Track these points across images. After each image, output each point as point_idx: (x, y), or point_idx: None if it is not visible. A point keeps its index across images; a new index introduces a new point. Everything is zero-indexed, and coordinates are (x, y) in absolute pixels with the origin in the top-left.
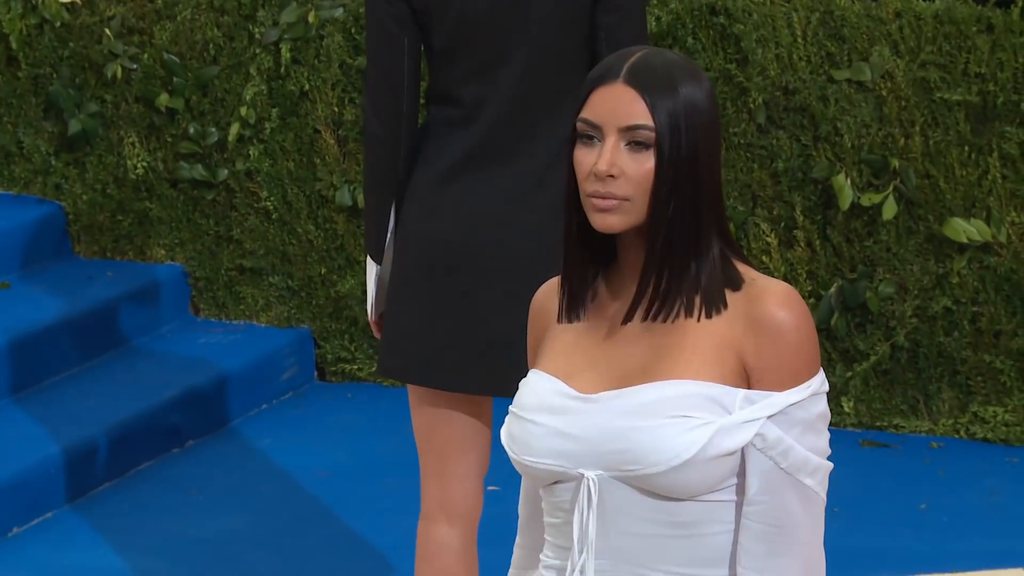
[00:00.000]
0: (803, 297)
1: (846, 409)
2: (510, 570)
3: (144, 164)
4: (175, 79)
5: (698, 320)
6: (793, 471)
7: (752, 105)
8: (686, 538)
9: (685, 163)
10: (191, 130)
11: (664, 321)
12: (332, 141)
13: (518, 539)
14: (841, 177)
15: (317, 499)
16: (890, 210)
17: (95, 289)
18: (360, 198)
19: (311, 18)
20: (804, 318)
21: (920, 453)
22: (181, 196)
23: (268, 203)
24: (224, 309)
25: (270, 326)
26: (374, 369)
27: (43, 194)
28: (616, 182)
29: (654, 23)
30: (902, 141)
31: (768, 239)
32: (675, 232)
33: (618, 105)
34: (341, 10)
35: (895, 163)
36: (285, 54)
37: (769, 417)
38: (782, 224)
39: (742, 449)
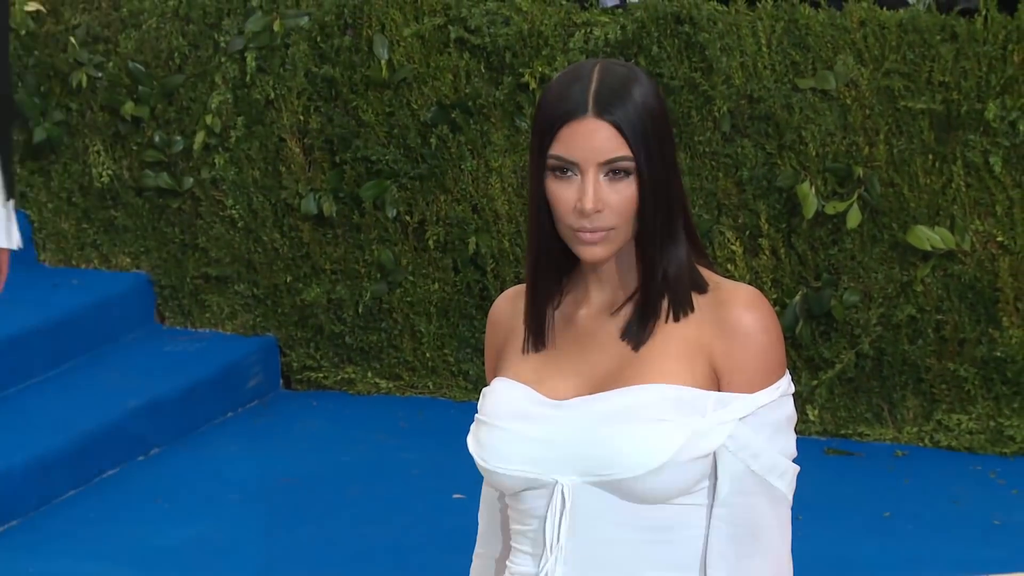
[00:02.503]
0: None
1: (811, 417)
2: None
3: (109, 172)
4: (140, 87)
5: (665, 322)
6: (764, 473)
7: (717, 114)
8: (660, 543)
9: (662, 177)
10: (156, 138)
11: (644, 329)
12: (298, 149)
13: (477, 548)
14: (806, 185)
15: (282, 507)
16: (854, 218)
17: (60, 297)
18: (326, 206)
19: (276, 27)
20: (771, 320)
21: (884, 461)
22: (146, 204)
23: (233, 211)
24: (189, 317)
25: (235, 334)
26: (339, 377)
27: None
28: (601, 215)
29: (619, 31)
30: (866, 149)
31: (733, 247)
32: (661, 241)
33: (594, 141)
34: (306, 18)
35: (859, 171)
36: (250, 63)
37: (741, 419)
38: (747, 232)
39: (715, 451)
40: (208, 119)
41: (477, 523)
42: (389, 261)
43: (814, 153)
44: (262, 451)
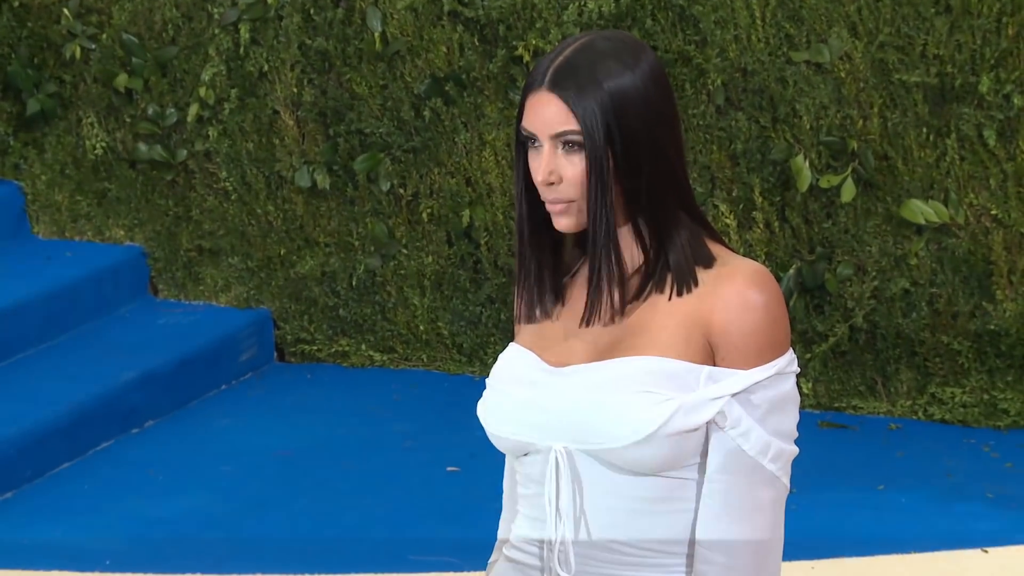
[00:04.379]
0: None
1: (804, 391)
2: (496, 543)
3: (103, 144)
4: (134, 59)
5: (669, 298)
6: (755, 454)
7: (711, 87)
8: (652, 514)
9: (623, 154)
10: (150, 110)
11: (633, 300)
12: (291, 122)
13: (503, 512)
14: (800, 159)
15: (276, 479)
16: (849, 192)
17: (54, 269)
18: (319, 178)
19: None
20: (773, 297)
21: (878, 434)
22: (140, 176)
23: (227, 184)
24: (183, 290)
25: (229, 307)
26: (333, 350)
27: (1, 174)
28: (558, 187)
29: (613, 4)
30: (860, 123)
31: (727, 220)
32: (634, 218)
33: (545, 113)
34: None
35: (853, 145)
36: (244, 34)
37: (733, 395)
38: (741, 206)
39: (706, 427)
40: (202, 91)
41: (472, 494)
42: (383, 234)
43: (808, 126)
44: (256, 424)
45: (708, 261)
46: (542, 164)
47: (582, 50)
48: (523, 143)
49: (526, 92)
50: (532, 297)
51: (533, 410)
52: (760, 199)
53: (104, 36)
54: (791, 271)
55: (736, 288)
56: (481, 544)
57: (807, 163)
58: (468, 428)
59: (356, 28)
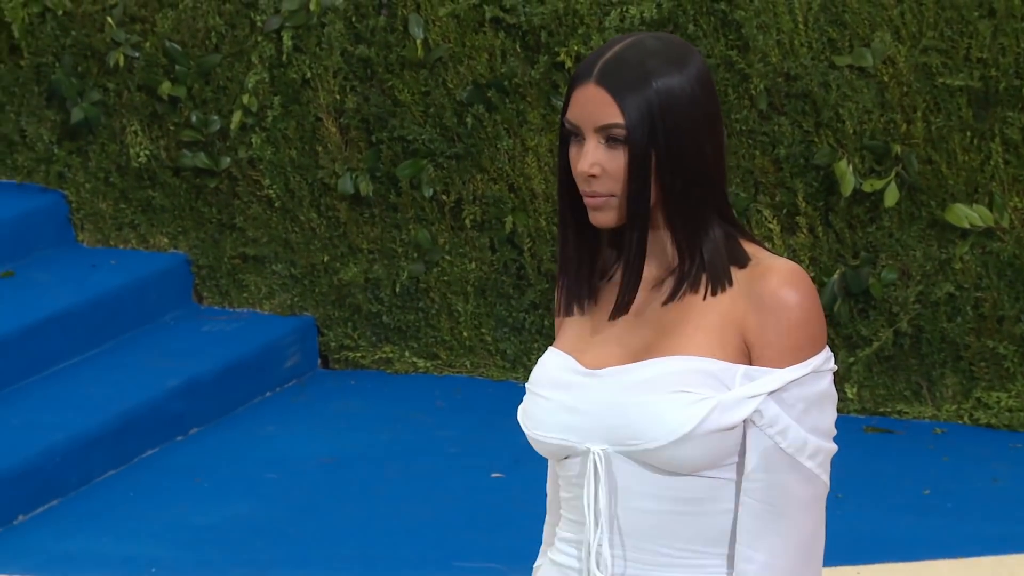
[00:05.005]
0: None
1: (849, 395)
2: (541, 547)
3: (147, 152)
4: (177, 67)
5: (704, 298)
6: (792, 451)
7: (754, 91)
8: (690, 515)
9: (665, 153)
10: (193, 118)
11: (668, 301)
12: (334, 129)
13: (547, 516)
14: (843, 163)
15: (320, 486)
16: (892, 196)
17: (99, 277)
18: (363, 185)
19: (312, 6)
20: (807, 295)
21: (924, 439)
22: (184, 184)
23: (271, 191)
24: (227, 297)
25: (273, 314)
26: (377, 357)
27: (46, 183)
28: (598, 180)
29: (655, 10)
30: (904, 127)
31: (770, 225)
32: (685, 213)
33: (591, 105)
34: None
35: (897, 149)
36: (287, 42)
37: (769, 394)
38: (784, 210)
39: (743, 426)
40: (245, 99)
41: (516, 500)
42: (426, 240)
43: (851, 131)
44: (300, 431)
45: (743, 261)
46: (584, 156)
47: (632, 47)
48: (566, 137)
49: (573, 84)
50: (573, 291)
51: (571, 413)
52: (804, 204)
53: (148, 44)
54: (835, 276)
55: (771, 287)
56: (526, 550)
57: (850, 168)
58: (512, 434)
59: (398, 35)
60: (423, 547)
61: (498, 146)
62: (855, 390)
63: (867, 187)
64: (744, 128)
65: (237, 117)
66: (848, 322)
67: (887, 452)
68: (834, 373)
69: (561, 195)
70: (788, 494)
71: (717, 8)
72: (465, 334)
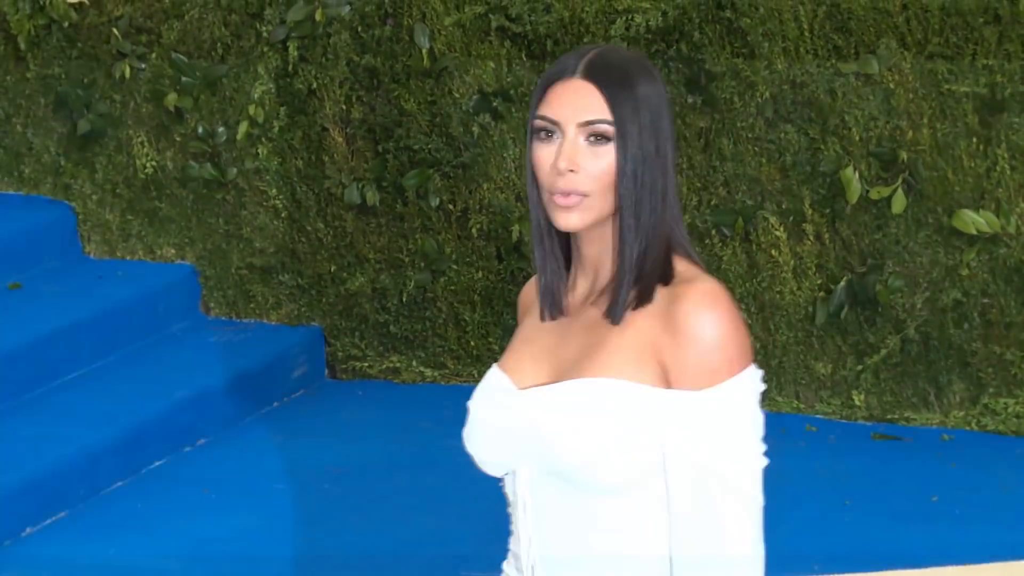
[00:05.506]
0: (814, 290)
1: (857, 402)
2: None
3: (153, 163)
4: (183, 78)
5: (629, 314)
6: (713, 470)
7: (759, 99)
8: (617, 531)
9: (645, 157)
10: (200, 129)
11: (606, 314)
12: (340, 139)
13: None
14: (849, 170)
15: (329, 496)
16: (899, 203)
17: (106, 289)
18: (369, 195)
19: (318, 16)
20: (722, 317)
21: (931, 446)
22: (190, 195)
23: (277, 201)
24: (234, 308)
25: (280, 324)
26: (384, 366)
27: (53, 194)
28: (577, 177)
29: (660, 18)
30: (910, 133)
31: (777, 233)
32: (642, 223)
33: (576, 100)
34: (348, 8)
35: (903, 156)
36: (292, 52)
37: (683, 417)
38: (791, 218)
39: (661, 447)
40: (251, 109)
41: None
42: (433, 250)
43: (858, 138)
44: (308, 441)
45: (668, 278)
46: (564, 151)
47: (611, 51)
48: (535, 136)
49: (551, 81)
50: (550, 297)
51: (501, 433)
52: (810, 211)
53: (153, 55)
54: (842, 283)
55: (684, 309)
56: None
57: (857, 174)
58: None
59: (404, 45)
60: (431, 557)
61: (504, 155)
62: (862, 397)
63: (874, 194)
64: (750, 135)
65: (243, 128)
66: (855, 329)
67: (895, 459)
68: (842, 380)
69: (534, 198)
70: (714, 512)
71: (723, 16)
72: (472, 343)
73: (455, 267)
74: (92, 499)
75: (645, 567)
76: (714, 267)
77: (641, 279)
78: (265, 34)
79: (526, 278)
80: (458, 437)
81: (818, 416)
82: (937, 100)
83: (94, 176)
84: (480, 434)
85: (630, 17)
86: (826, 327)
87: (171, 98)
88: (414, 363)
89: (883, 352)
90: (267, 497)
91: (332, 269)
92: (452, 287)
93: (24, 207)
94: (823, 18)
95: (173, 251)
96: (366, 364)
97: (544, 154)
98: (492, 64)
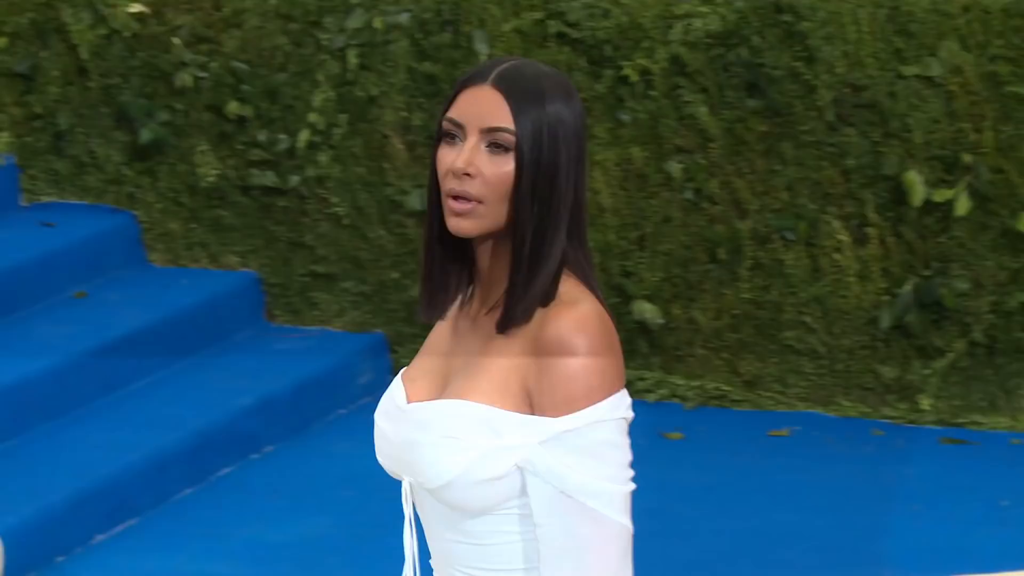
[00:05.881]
0: (878, 293)
1: (925, 407)
2: None
3: (216, 172)
4: (244, 87)
5: (507, 331)
6: (574, 494)
7: (820, 103)
8: (488, 546)
9: (544, 172)
10: (261, 137)
11: (505, 332)
12: (401, 146)
13: None
14: (912, 173)
15: (396, 503)
16: (963, 206)
17: (170, 297)
18: None
19: (377, 24)
20: (587, 345)
21: (1000, 449)
22: (253, 203)
23: (339, 209)
24: (298, 315)
25: (344, 331)
26: None
27: (116, 203)
28: (472, 181)
29: (720, 22)
30: (973, 136)
31: (840, 237)
32: (534, 240)
33: (482, 106)
34: (407, 15)
35: (966, 158)
36: (352, 60)
37: (541, 443)
38: (854, 221)
39: (520, 471)
40: (312, 117)
41: None
42: None
43: (920, 140)
44: (374, 448)
45: (548, 299)
46: (463, 154)
47: (528, 65)
48: (440, 139)
49: (462, 86)
50: (432, 303)
51: (391, 445)
52: (873, 215)
53: (215, 64)
54: (907, 287)
55: (549, 334)
56: None
57: (920, 178)
58: None
59: (463, 52)
60: None
61: None
62: (930, 402)
63: (937, 197)
64: (811, 139)
65: (304, 135)
66: (921, 333)
67: (963, 463)
68: (908, 384)
69: (430, 201)
70: (575, 537)
71: (783, 20)
72: None
73: None
74: (161, 506)
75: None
76: (776, 271)
77: (525, 298)
78: (325, 42)
79: None
80: None
81: (884, 420)
82: (999, 102)
83: (157, 185)
84: (377, 443)
85: (688, 22)
86: (891, 331)
87: (232, 107)
88: None
89: (950, 356)
90: (334, 504)
91: (395, 276)
92: None
93: (89, 216)
94: (883, 21)
95: (236, 259)
96: None
97: (446, 156)
98: None
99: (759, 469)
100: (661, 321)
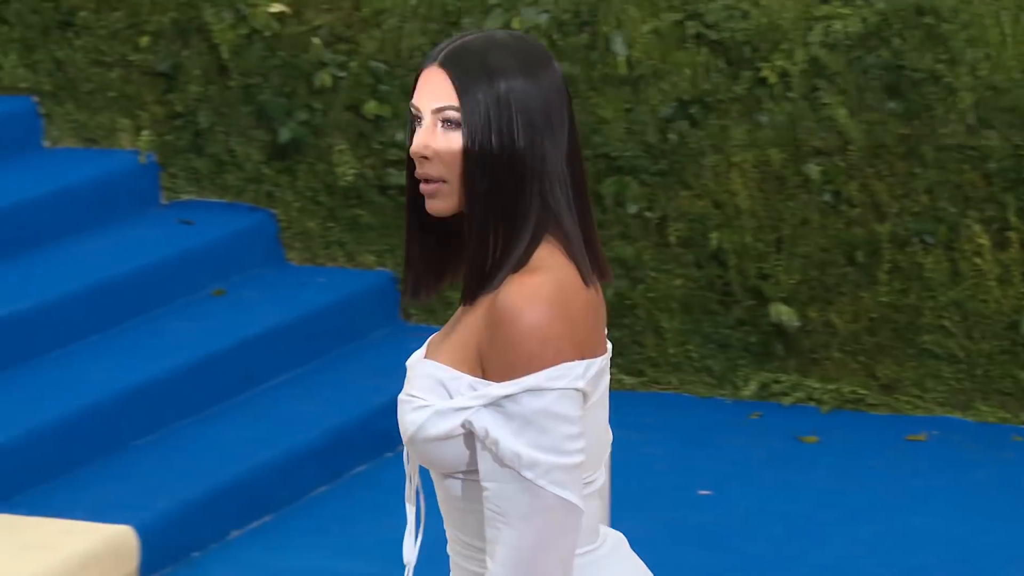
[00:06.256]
0: (1019, 298)
1: None
2: None
3: (353, 171)
4: (382, 86)
5: (474, 302)
6: (508, 462)
7: (961, 105)
8: (463, 511)
9: (495, 144)
10: (399, 137)
11: (470, 302)
12: None
13: None
14: None
15: None
16: None
17: (307, 295)
18: None
19: (515, 24)
20: (530, 314)
21: None
22: (390, 203)
23: None
24: (434, 314)
25: None
26: None
27: (255, 202)
28: (431, 163)
29: (860, 24)
30: None
31: (981, 240)
32: (485, 211)
33: (432, 87)
34: (545, 16)
35: None
36: None
37: (484, 406)
38: (995, 225)
39: (468, 435)
40: None
41: (726, 518)
42: (631, 257)
43: None
44: None
45: (518, 266)
46: (418, 137)
47: (481, 38)
48: (412, 124)
49: (419, 68)
50: (417, 282)
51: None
52: (1014, 218)
53: (353, 64)
54: None
55: (499, 301)
56: (736, 567)
57: None
58: (720, 451)
59: (600, 52)
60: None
61: (702, 162)
62: None
63: None
64: (952, 143)
65: None
66: None
67: None
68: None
69: (409, 186)
70: (509, 503)
71: (924, 22)
72: (671, 351)
73: (653, 274)
74: (296, 503)
75: (483, 543)
76: (915, 275)
77: (477, 269)
78: None
79: (725, 285)
80: (657, 444)
81: None
82: None
83: (295, 184)
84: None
85: (829, 24)
86: None
87: (370, 106)
88: (613, 370)
89: None
90: None
91: None
92: (650, 294)
93: (228, 215)
94: None
95: (373, 258)
96: None
97: (412, 142)
98: (689, 71)
99: (895, 473)
100: (797, 324)
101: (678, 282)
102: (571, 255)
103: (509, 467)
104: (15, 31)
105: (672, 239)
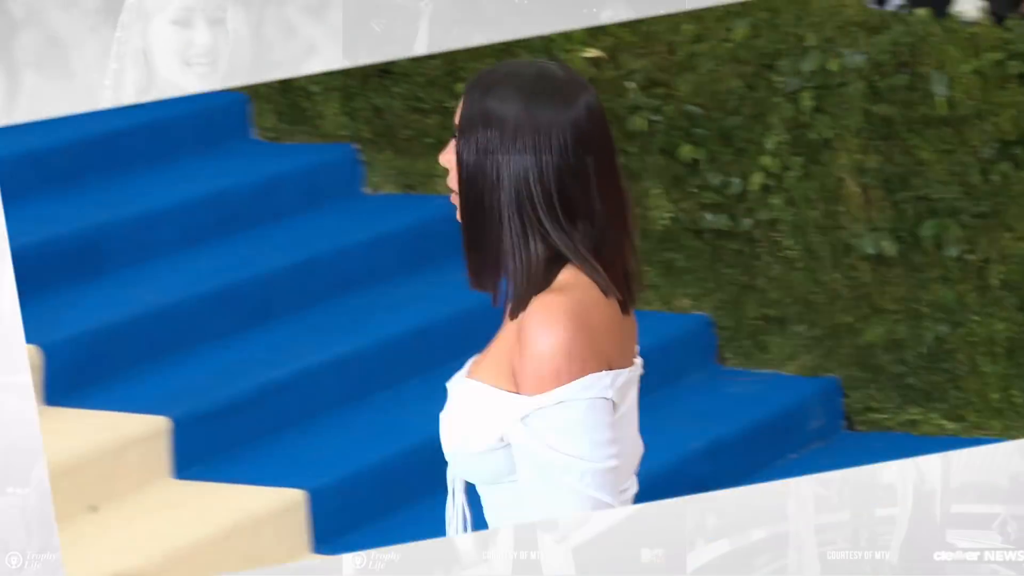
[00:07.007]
0: None
1: None
2: None
3: (668, 215)
4: (697, 130)
5: (511, 320)
6: (545, 468)
7: None
8: (503, 519)
9: (480, 166)
10: (714, 180)
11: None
12: (856, 189)
13: None
14: None
15: None
16: None
17: None
18: (886, 245)
19: (832, 66)
20: (553, 331)
21: None
22: (705, 246)
23: (792, 252)
24: (750, 358)
25: (796, 375)
26: (902, 419)
27: None
28: (450, 176)
29: None
30: None
31: None
32: (474, 224)
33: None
34: (863, 57)
35: None
36: (806, 102)
37: (521, 419)
38: None
39: (509, 445)
40: (764, 160)
41: None
42: (951, 300)
43: None
44: None
45: (544, 286)
46: (444, 152)
47: (510, 64)
48: None
49: None
50: (478, 272)
51: None
52: None
53: (668, 108)
54: None
55: (526, 318)
56: None
57: None
58: None
59: (920, 93)
60: None
61: None
62: None
63: None
64: None
65: (757, 178)
66: None
67: None
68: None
69: None
70: (552, 508)
71: None
72: (993, 396)
73: (975, 318)
74: None
75: None
76: None
77: (516, 288)
78: (779, 84)
79: None
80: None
81: None
82: None
83: None
84: None
85: None
86: None
87: (686, 150)
88: (933, 415)
89: None
90: None
91: (848, 320)
92: (972, 338)
93: None
94: None
95: (688, 302)
96: (884, 416)
97: None
98: (1012, 111)
99: None
100: None
101: (1001, 326)
102: (591, 274)
103: (547, 474)
104: (335, 80)
105: (994, 282)
